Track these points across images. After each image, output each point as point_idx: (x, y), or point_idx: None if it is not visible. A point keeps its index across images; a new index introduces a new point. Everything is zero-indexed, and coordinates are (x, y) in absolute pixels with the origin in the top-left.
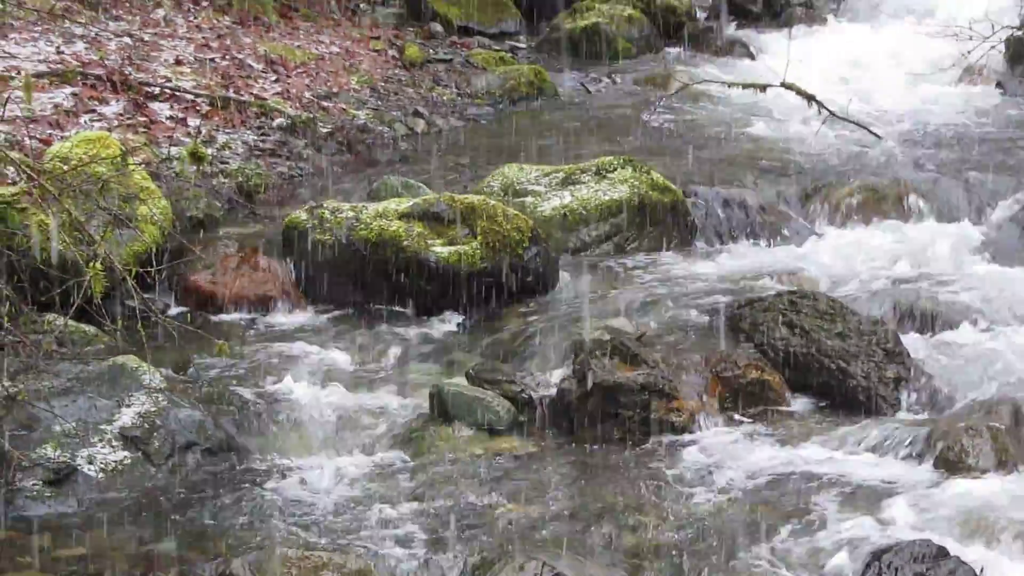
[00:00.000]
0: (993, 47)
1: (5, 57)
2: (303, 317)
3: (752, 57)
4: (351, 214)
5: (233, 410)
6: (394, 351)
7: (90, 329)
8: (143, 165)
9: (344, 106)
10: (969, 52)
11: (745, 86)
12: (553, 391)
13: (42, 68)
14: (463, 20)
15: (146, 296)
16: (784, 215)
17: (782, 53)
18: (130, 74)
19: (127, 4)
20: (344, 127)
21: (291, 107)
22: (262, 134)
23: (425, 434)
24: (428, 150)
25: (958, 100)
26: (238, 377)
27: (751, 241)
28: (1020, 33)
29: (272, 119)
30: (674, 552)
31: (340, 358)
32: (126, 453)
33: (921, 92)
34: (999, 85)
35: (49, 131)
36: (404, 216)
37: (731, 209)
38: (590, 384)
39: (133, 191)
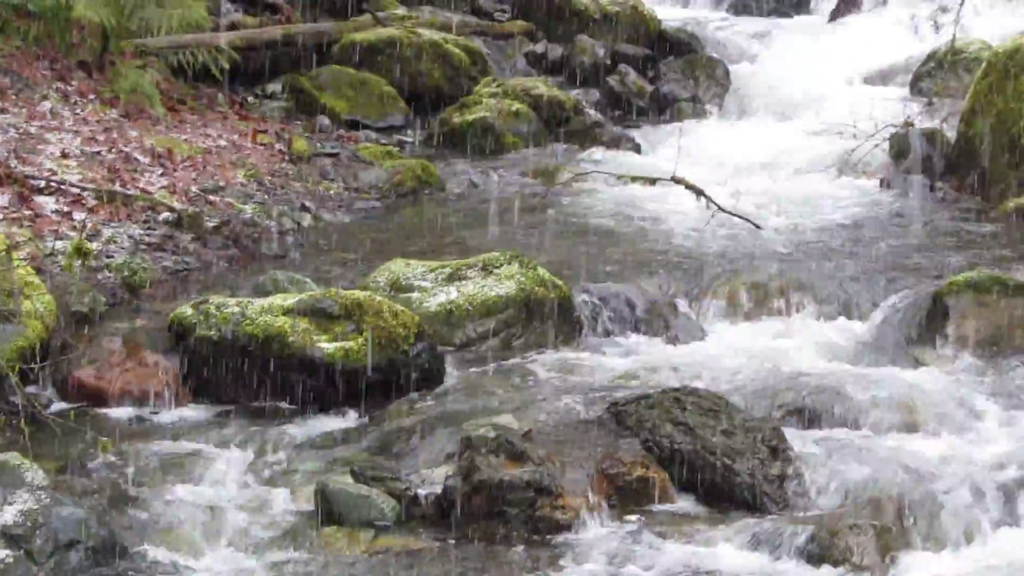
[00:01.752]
0: (876, 145)
1: None
2: (188, 413)
3: (640, 151)
4: (236, 309)
5: (117, 508)
6: (279, 448)
7: None
8: (28, 260)
9: (231, 200)
10: (853, 150)
11: (633, 179)
12: (439, 488)
13: None
14: (351, 113)
15: (29, 392)
16: (670, 310)
17: (670, 147)
18: (15, 167)
19: (12, 96)
20: (231, 221)
21: (177, 201)
22: (148, 228)
23: (310, 532)
24: (315, 245)
25: (843, 196)
26: (122, 474)
27: (637, 337)
28: (902, 131)
29: (158, 213)
30: None
31: (225, 455)
32: (7, 552)
33: (807, 188)
34: (883, 182)
35: None
36: (290, 312)
37: (618, 305)
38: (475, 481)
39: (17, 286)
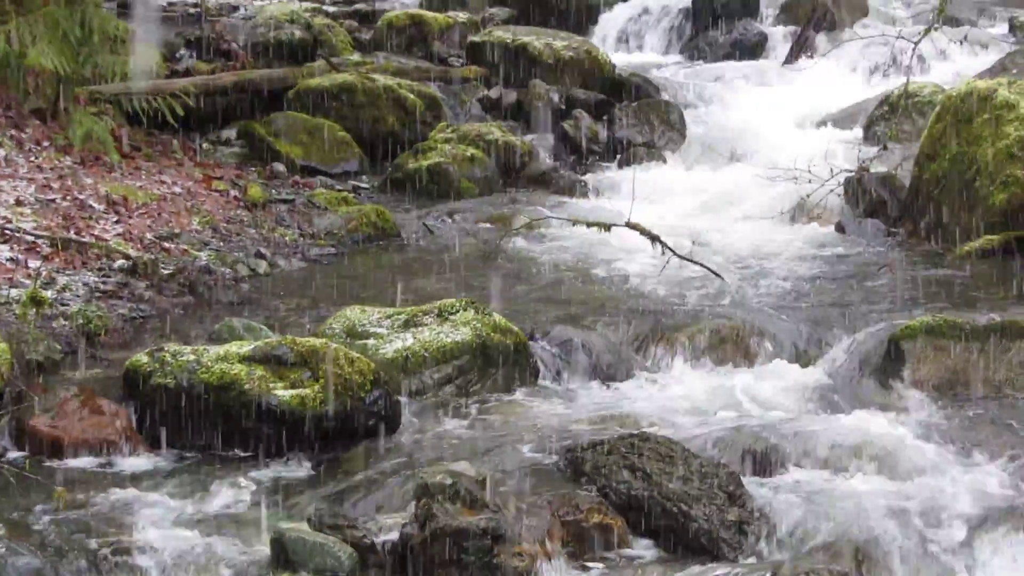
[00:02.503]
0: (831, 190)
1: None
2: (144, 462)
3: (595, 196)
4: (192, 357)
5: (72, 557)
6: (236, 496)
7: None
8: None
9: (186, 247)
10: (808, 195)
11: (589, 225)
12: (396, 536)
13: None
14: (305, 160)
15: None
16: (627, 357)
17: (625, 192)
18: None
19: None
20: (186, 268)
21: (133, 248)
22: (103, 276)
23: None
24: (270, 291)
25: (798, 241)
26: (78, 523)
27: (594, 383)
28: (857, 176)
29: (113, 260)
30: None
31: (180, 503)
32: None
33: (762, 233)
34: (838, 226)
35: None
36: (246, 359)
37: (574, 351)
38: (432, 529)
39: None
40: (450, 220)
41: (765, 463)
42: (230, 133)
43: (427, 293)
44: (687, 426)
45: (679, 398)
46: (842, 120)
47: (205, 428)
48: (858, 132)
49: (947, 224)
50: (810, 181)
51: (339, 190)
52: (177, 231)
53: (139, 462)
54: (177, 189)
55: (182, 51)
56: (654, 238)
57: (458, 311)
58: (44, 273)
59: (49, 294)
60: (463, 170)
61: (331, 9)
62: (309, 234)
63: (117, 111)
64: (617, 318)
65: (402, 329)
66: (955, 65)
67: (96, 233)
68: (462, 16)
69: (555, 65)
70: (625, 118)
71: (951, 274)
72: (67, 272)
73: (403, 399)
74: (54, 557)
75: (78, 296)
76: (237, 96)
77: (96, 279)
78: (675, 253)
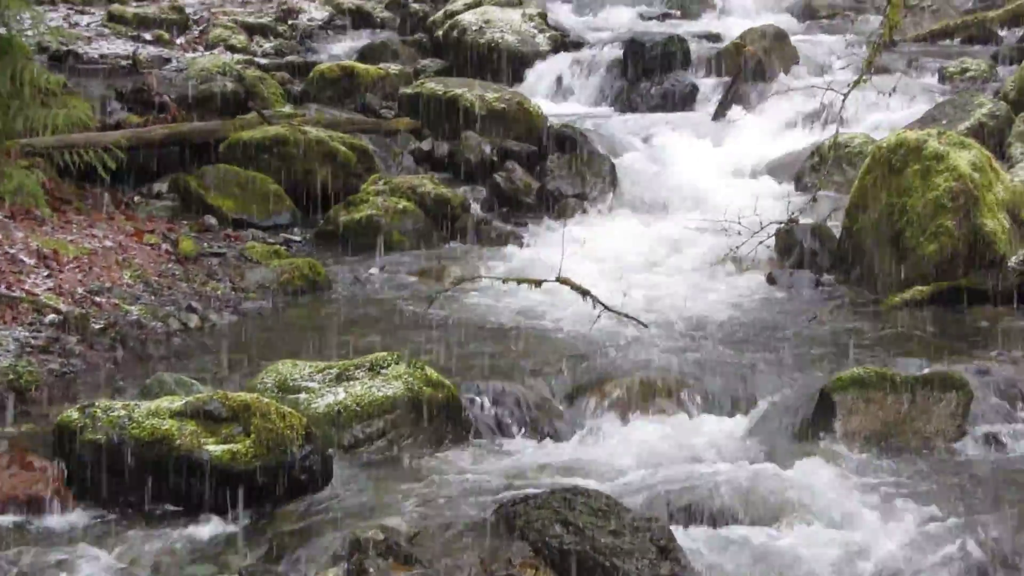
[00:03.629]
0: (761, 242)
1: None
2: (75, 518)
3: (528, 248)
4: (123, 412)
5: None
6: (167, 552)
7: None
8: None
9: (117, 301)
10: (739, 246)
11: (519, 281)
12: None
13: None
14: (238, 213)
15: None
16: (559, 410)
17: (557, 245)
18: None
19: None
20: (117, 323)
21: (64, 303)
22: (34, 330)
23: None
24: (202, 346)
25: (729, 292)
26: None
27: (526, 436)
28: (788, 227)
29: (44, 315)
30: None
31: (112, 561)
32: None
33: (693, 284)
34: (769, 278)
35: None
36: (177, 414)
37: (506, 404)
38: None
39: None
40: (382, 273)
41: (697, 516)
42: (162, 186)
43: (359, 346)
44: (619, 479)
45: (611, 451)
46: (773, 171)
47: (136, 484)
48: (789, 183)
49: (878, 275)
50: (739, 233)
51: (271, 243)
52: (108, 285)
53: (69, 518)
54: (108, 243)
55: (114, 104)
56: (584, 292)
57: (390, 365)
58: None
59: None
60: (395, 223)
61: (263, 61)
62: (241, 287)
63: (48, 164)
64: (549, 371)
65: (334, 383)
66: (885, 115)
67: (27, 287)
68: (394, 68)
69: (487, 117)
70: (557, 169)
71: (882, 325)
72: None
73: (335, 454)
74: None
75: (8, 351)
76: (169, 149)
77: (27, 334)
78: (605, 306)
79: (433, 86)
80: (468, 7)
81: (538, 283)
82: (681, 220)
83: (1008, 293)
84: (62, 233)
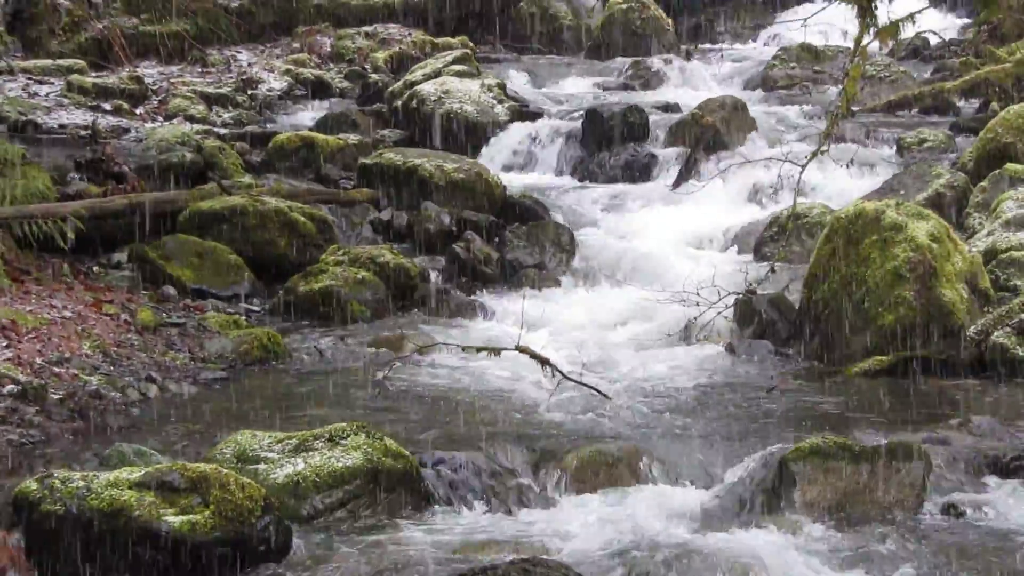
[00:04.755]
0: (720, 312)
1: None
2: None
3: (487, 318)
4: (82, 483)
5: None
6: None
7: None
8: None
9: (76, 371)
10: (697, 317)
11: (479, 349)
12: None
13: None
14: (197, 283)
15: None
16: (518, 481)
17: (516, 314)
18: None
19: None
20: (76, 393)
21: (22, 373)
22: None
23: None
24: (161, 416)
25: (689, 363)
26: None
27: (485, 507)
28: (746, 297)
29: (2, 385)
30: None
31: None
32: None
33: (653, 355)
34: (729, 348)
35: None
36: (136, 485)
37: (465, 474)
38: None
39: None
40: (342, 343)
41: None
42: (121, 256)
43: (318, 417)
44: (578, 551)
45: (570, 522)
46: (732, 241)
47: (96, 555)
48: (748, 253)
49: (837, 345)
50: (698, 303)
51: (230, 313)
52: (67, 355)
53: None
54: (68, 313)
55: (73, 174)
56: (544, 361)
57: (349, 435)
58: None
59: None
60: (354, 293)
61: (222, 131)
62: (200, 358)
63: (7, 234)
64: (508, 440)
65: (293, 454)
66: (843, 185)
67: None
68: (353, 138)
69: (446, 187)
70: (516, 240)
71: (841, 395)
72: None
73: (294, 524)
74: None
75: None
76: (128, 219)
77: None
78: (565, 376)
79: (392, 156)
80: (427, 77)
81: (497, 351)
82: (640, 290)
83: (966, 363)
84: (21, 303)
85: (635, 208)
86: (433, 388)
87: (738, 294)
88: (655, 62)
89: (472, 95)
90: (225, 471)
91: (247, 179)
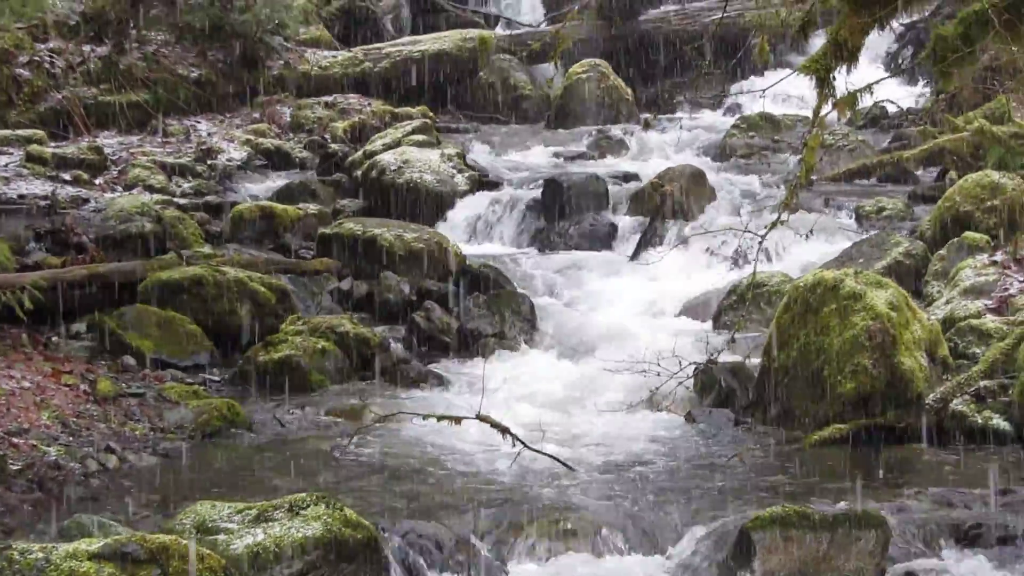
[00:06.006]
0: (681, 382)
1: None
2: None
3: (447, 388)
4: (41, 555)
5: None
6: None
7: None
8: None
9: (35, 442)
10: (658, 387)
11: (439, 418)
12: None
13: None
14: (156, 353)
15: None
16: (478, 552)
17: (476, 384)
18: None
19: None
20: (35, 464)
21: None
22: None
23: None
24: (121, 487)
25: (649, 432)
26: None
27: None
28: (706, 366)
29: None
30: None
31: None
32: None
33: (613, 424)
34: (689, 417)
35: None
36: (95, 556)
37: (425, 545)
38: None
39: None
40: (301, 413)
41: None
42: (80, 326)
43: (278, 487)
44: None
45: None
46: (691, 310)
47: None
48: (707, 321)
49: (796, 413)
50: (659, 373)
51: (190, 383)
52: (26, 426)
53: None
54: (26, 383)
55: (32, 244)
56: (504, 430)
57: (309, 506)
58: None
59: None
60: (314, 362)
61: (181, 201)
62: (160, 428)
63: None
64: (468, 511)
65: (253, 524)
66: (803, 254)
67: None
68: (312, 208)
69: (406, 256)
70: (476, 309)
71: (801, 463)
72: None
73: None
74: None
75: None
76: (88, 289)
77: None
78: (525, 445)
79: (352, 226)
80: (387, 147)
81: (458, 420)
82: (600, 359)
83: (926, 431)
84: None
85: (595, 277)
86: (393, 458)
87: (698, 364)
88: (615, 131)
89: (432, 165)
90: (184, 542)
91: (207, 249)
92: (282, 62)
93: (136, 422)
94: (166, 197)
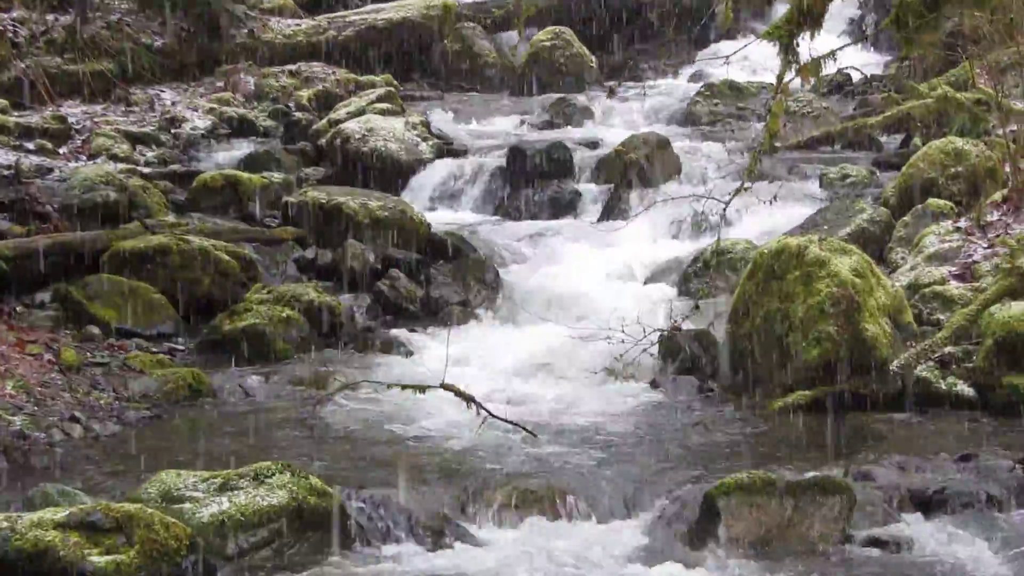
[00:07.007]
0: (644, 349)
1: None
2: None
3: (412, 356)
4: (6, 524)
5: None
6: None
7: None
8: None
9: (0, 412)
10: (623, 354)
11: (404, 387)
12: None
13: None
14: (121, 322)
15: None
16: (444, 518)
17: (441, 352)
18: None
19: None
20: (0, 434)
21: None
22: None
23: None
24: (86, 456)
25: (613, 399)
26: None
27: (411, 545)
28: (670, 333)
29: None
30: None
31: None
32: None
33: (577, 391)
34: (653, 384)
35: None
36: (60, 525)
37: (391, 512)
38: None
39: None
40: (266, 381)
41: None
42: (45, 296)
43: (243, 455)
44: None
45: (496, 558)
46: (656, 277)
47: None
48: (672, 288)
49: (761, 380)
50: (623, 340)
51: (155, 352)
52: None
53: None
54: None
55: None
56: (468, 398)
57: (274, 474)
58: None
59: None
60: (279, 331)
61: (146, 170)
62: (124, 397)
63: None
64: (434, 479)
65: (218, 493)
66: (767, 221)
67: None
68: (277, 176)
69: (370, 225)
70: (441, 277)
71: (765, 430)
72: None
73: (219, 564)
74: None
75: None
76: (52, 259)
77: None
78: (489, 413)
79: (316, 195)
80: (351, 116)
81: (422, 389)
82: (566, 326)
83: (890, 397)
84: None
85: (559, 245)
86: (358, 426)
87: (663, 331)
88: (579, 99)
89: (396, 133)
90: (150, 510)
91: (171, 218)
92: (246, 30)
93: (101, 391)
94: (130, 166)
